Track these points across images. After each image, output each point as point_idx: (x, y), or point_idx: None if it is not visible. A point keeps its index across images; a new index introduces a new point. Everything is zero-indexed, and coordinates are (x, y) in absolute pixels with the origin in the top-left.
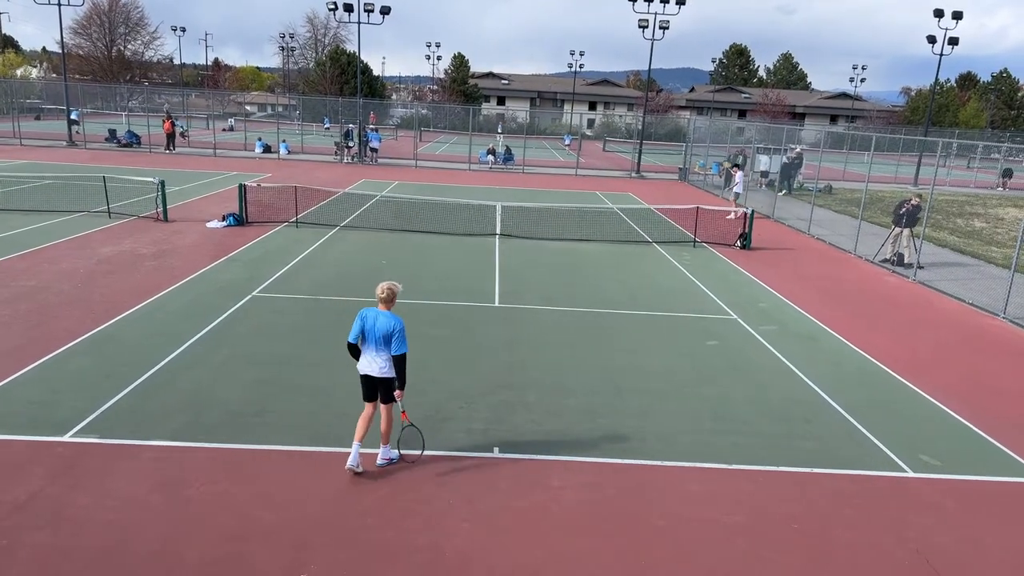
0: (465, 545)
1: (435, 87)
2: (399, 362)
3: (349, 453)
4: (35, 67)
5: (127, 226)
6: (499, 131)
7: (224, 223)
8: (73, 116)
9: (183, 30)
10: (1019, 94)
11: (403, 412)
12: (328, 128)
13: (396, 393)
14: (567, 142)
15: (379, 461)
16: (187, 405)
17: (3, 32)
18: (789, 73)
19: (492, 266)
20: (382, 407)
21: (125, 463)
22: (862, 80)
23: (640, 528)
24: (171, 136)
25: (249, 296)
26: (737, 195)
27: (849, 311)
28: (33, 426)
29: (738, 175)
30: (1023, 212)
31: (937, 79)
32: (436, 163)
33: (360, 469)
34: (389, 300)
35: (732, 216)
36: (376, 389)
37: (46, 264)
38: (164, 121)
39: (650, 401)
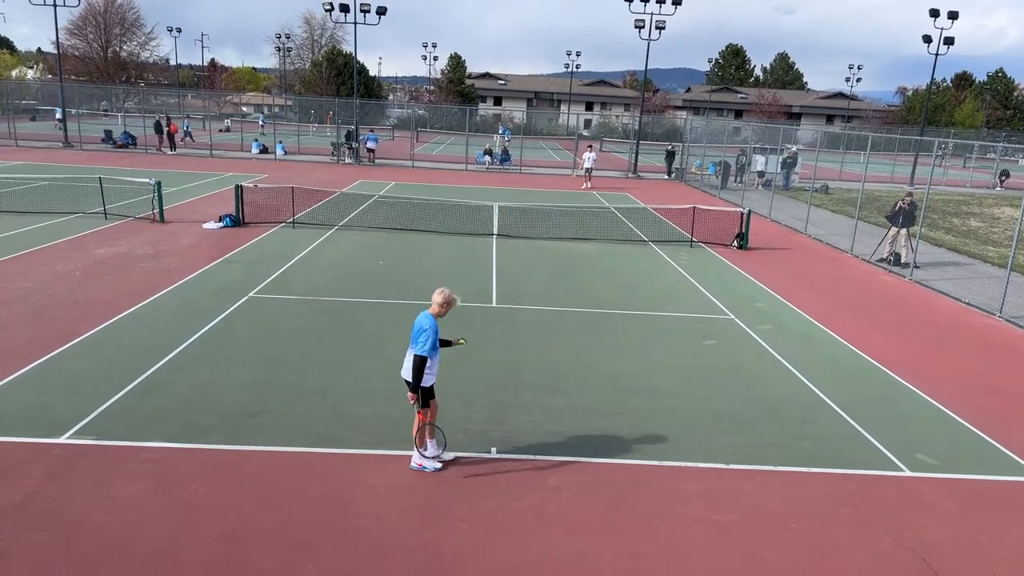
0: (463, 545)
1: (432, 87)
2: (415, 363)
3: (345, 454)
4: (31, 68)
5: (123, 227)
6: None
7: (220, 224)
8: (58, 115)
9: (179, 31)
10: (1015, 94)
11: (419, 412)
12: (263, 126)
13: (408, 396)
14: (507, 138)
15: (412, 464)
16: (184, 407)
17: None
18: (785, 73)
19: (489, 266)
20: None
21: (122, 465)
22: (858, 80)
23: (637, 528)
24: (172, 137)
25: (246, 297)
26: (588, 170)
27: (846, 311)
28: (30, 427)
29: (585, 154)
30: (1019, 211)
31: (933, 79)
32: (433, 163)
33: (441, 460)
34: (433, 302)
35: (586, 185)
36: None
37: (42, 266)
38: (169, 123)
39: (648, 401)
